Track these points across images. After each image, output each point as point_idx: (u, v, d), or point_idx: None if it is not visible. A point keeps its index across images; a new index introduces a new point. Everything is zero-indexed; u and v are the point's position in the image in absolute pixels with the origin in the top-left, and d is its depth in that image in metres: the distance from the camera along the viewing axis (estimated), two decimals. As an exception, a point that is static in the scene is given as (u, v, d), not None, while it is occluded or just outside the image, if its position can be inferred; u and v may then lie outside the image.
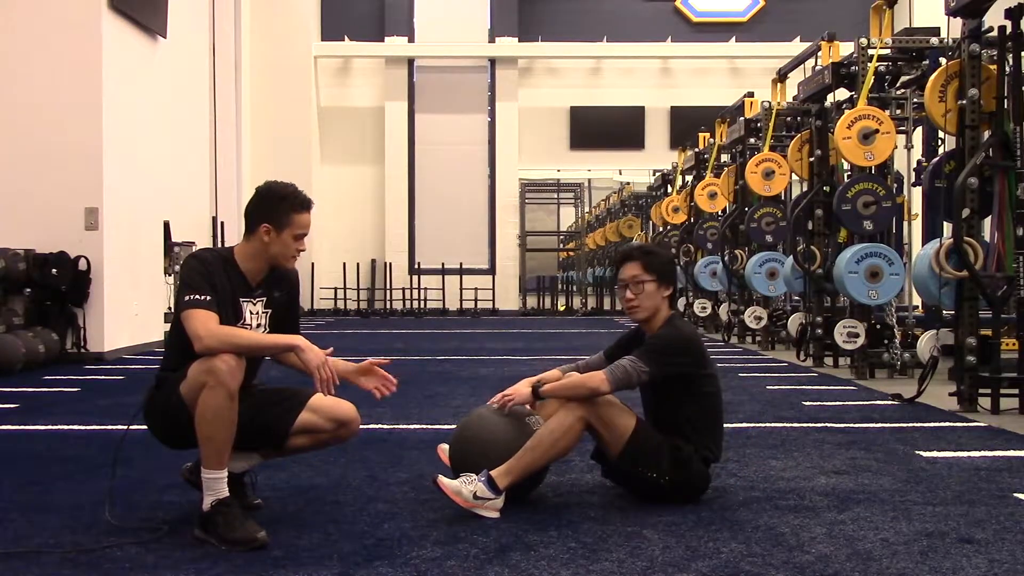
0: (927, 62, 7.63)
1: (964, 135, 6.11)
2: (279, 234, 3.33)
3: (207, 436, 3.10)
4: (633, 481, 3.67)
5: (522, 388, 3.68)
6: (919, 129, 8.65)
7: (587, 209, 22.89)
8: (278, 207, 3.33)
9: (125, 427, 3.47)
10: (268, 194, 3.37)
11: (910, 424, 5.57)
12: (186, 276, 3.26)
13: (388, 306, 20.32)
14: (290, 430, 3.39)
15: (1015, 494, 3.80)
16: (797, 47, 16.27)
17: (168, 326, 3.49)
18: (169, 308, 11.77)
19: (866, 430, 5.37)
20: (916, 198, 9.19)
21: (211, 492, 3.12)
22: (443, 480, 3.44)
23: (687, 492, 3.66)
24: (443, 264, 20.49)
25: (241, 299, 3.36)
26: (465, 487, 3.41)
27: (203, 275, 3.25)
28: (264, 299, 3.44)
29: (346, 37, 21.18)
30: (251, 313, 3.39)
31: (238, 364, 3.11)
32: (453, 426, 4.07)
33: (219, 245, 15.33)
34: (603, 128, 21.65)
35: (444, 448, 3.79)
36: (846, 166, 8.60)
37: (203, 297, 3.19)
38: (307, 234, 3.41)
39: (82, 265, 9.52)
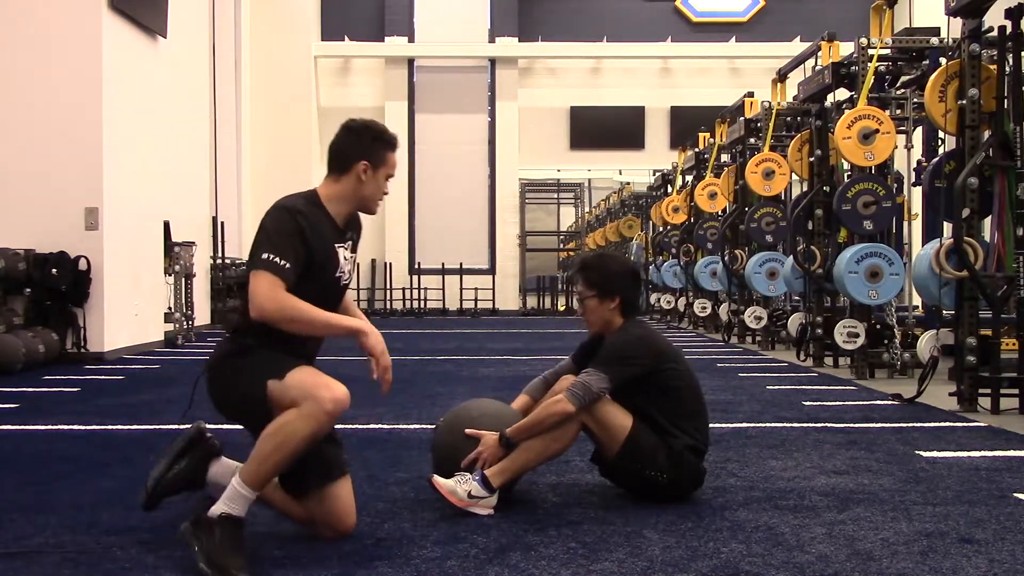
0: (927, 62, 7.63)
1: (964, 135, 6.11)
2: (375, 173, 3.13)
3: (268, 456, 2.83)
4: (632, 480, 3.67)
5: (490, 445, 3.52)
6: (919, 129, 8.66)
7: (587, 209, 22.90)
8: (376, 144, 3.14)
9: (193, 385, 3.23)
10: (365, 130, 3.16)
11: (910, 424, 5.57)
12: (272, 230, 2.96)
13: (388, 306, 20.33)
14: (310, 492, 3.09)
15: (1015, 494, 3.80)
16: (797, 47, 16.28)
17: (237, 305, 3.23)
18: (169, 308, 11.77)
19: (866, 430, 5.37)
20: (916, 198, 9.20)
21: (231, 503, 2.84)
22: (438, 480, 3.49)
23: (685, 487, 3.67)
24: (443, 264, 20.50)
25: (336, 245, 3.12)
26: (460, 487, 3.45)
27: (295, 233, 2.97)
28: (351, 243, 3.22)
29: (346, 37, 21.19)
30: (344, 259, 3.15)
31: (346, 400, 2.87)
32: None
33: (219, 244, 15.32)
34: (603, 128, 21.66)
35: (438, 480, 3.66)
36: (846, 166, 8.60)
37: (282, 262, 2.91)
38: (394, 175, 3.23)
39: (82, 265, 9.52)
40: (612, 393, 3.63)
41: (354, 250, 3.24)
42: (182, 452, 3.18)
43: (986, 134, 6.04)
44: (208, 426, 3.27)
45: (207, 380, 3.09)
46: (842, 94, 8.67)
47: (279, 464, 2.86)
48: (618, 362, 3.58)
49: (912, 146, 8.67)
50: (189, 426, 3.23)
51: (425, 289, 20.40)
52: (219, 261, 15.14)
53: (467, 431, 3.59)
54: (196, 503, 3.20)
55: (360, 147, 3.13)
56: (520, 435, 3.51)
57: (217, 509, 2.84)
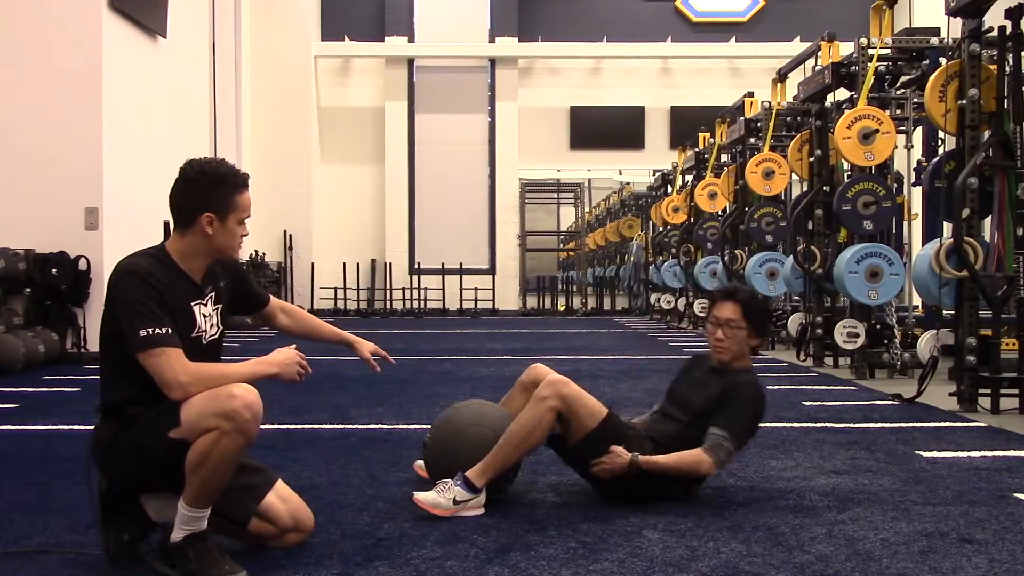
0: (927, 62, 7.63)
1: (964, 135, 6.11)
2: (223, 223, 2.88)
3: (206, 480, 2.71)
4: (585, 467, 3.68)
5: (619, 463, 3.55)
6: (919, 129, 8.66)
7: (587, 209, 22.89)
8: (218, 190, 2.87)
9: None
10: (203, 177, 2.87)
11: (910, 424, 5.57)
12: (133, 301, 2.75)
13: (388, 306, 20.31)
14: (252, 516, 2.98)
15: (1015, 494, 3.81)
16: (797, 47, 16.27)
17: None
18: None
19: (866, 430, 5.37)
20: (916, 198, 9.20)
21: (187, 526, 2.75)
22: (419, 496, 3.45)
23: (637, 492, 3.64)
24: (443, 264, 20.48)
25: (192, 304, 2.91)
26: (443, 496, 3.42)
27: (154, 298, 2.76)
28: (213, 295, 3.00)
29: (346, 37, 21.17)
30: (203, 316, 2.94)
31: (258, 402, 2.73)
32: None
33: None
34: (603, 128, 21.64)
35: (420, 464, 3.66)
36: (846, 166, 8.60)
37: (164, 331, 2.73)
38: (250, 216, 2.97)
39: (82, 265, 9.52)
40: (689, 412, 3.71)
41: (219, 301, 3.01)
42: (105, 515, 2.94)
43: (986, 134, 6.04)
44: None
45: (103, 467, 2.90)
46: (842, 94, 8.67)
47: (213, 480, 2.74)
48: (746, 432, 3.69)
49: (912, 146, 8.68)
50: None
51: (425, 289, 20.39)
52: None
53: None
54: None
55: (200, 198, 2.86)
56: (653, 468, 3.55)
57: (178, 535, 2.76)
